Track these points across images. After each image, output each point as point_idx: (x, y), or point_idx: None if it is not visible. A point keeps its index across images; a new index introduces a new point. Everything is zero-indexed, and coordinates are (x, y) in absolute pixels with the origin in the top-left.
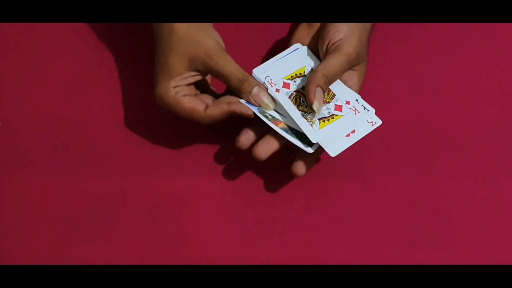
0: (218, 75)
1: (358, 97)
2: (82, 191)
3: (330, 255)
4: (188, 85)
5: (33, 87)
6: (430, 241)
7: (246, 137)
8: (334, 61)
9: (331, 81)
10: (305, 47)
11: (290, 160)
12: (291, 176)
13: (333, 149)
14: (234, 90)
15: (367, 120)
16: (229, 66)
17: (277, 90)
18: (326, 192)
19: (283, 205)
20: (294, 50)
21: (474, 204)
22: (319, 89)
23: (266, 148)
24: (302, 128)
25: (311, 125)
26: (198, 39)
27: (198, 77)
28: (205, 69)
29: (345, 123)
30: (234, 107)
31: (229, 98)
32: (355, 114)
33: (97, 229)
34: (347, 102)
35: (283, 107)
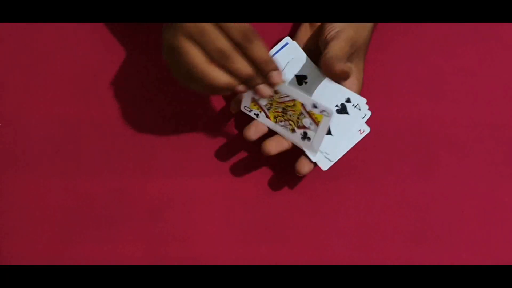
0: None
1: (349, 94)
2: (82, 191)
3: (330, 255)
4: None
5: (33, 87)
6: (430, 241)
7: (256, 130)
8: (334, 44)
9: (341, 59)
10: (294, 42)
11: (289, 160)
12: (291, 176)
13: (325, 162)
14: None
15: (356, 130)
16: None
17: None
18: (326, 192)
19: (283, 205)
20: (284, 46)
21: (474, 204)
22: (339, 64)
23: (276, 146)
24: (301, 146)
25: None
26: None
27: None
28: None
29: (338, 132)
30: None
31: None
32: (348, 116)
33: (97, 229)
34: (340, 105)
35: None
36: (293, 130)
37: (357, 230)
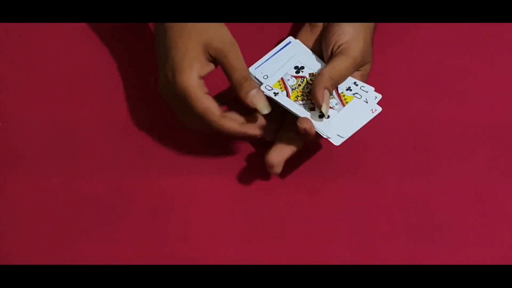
0: (225, 66)
1: (355, 80)
2: (82, 191)
3: (330, 255)
4: (203, 77)
5: (33, 87)
6: (430, 241)
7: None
8: (341, 64)
9: (337, 83)
10: (297, 41)
11: (288, 159)
12: (292, 176)
13: (337, 139)
14: (234, 84)
15: (368, 108)
16: (239, 61)
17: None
18: (326, 192)
19: (283, 205)
20: (287, 44)
21: (474, 204)
22: (326, 91)
23: (279, 154)
24: (315, 125)
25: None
26: (215, 27)
27: (212, 67)
28: (216, 56)
29: (350, 111)
30: (247, 129)
31: (239, 117)
32: (359, 99)
33: (97, 229)
34: (348, 89)
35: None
36: (312, 109)
37: (357, 230)
